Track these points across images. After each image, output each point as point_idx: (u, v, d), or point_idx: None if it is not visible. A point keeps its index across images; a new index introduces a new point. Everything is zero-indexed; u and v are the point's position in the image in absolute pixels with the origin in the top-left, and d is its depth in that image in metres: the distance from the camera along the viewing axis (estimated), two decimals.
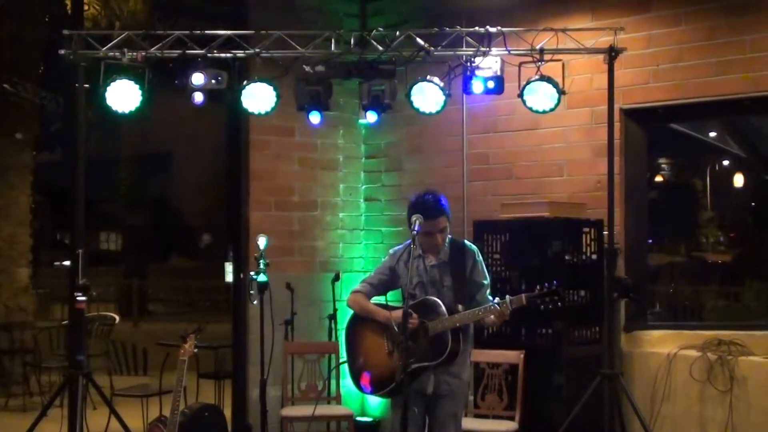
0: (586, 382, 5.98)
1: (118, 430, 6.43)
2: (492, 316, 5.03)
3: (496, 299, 5.04)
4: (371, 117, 6.67)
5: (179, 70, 6.19)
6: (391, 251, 5.44)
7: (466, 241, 5.41)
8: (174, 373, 6.25)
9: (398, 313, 5.04)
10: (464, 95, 6.69)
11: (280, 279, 7.39)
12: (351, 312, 5.49)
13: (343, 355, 5.51)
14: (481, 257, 5.32)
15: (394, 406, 5.26)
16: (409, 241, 5.18)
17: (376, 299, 5.38)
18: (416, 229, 4.99)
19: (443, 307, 5.06)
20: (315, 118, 6.58)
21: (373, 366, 5.24)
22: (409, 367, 4.74)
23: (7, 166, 11.43)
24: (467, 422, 6.57)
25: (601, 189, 6.74)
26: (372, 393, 5.48)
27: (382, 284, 5.37)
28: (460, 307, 5.07)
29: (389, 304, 5.27)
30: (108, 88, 6.03)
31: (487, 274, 5.31)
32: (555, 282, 5.02)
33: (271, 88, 6.20)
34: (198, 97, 6.20)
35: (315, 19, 7.86)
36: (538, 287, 5.01)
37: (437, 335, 5.02)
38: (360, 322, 5.37)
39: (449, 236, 5.26)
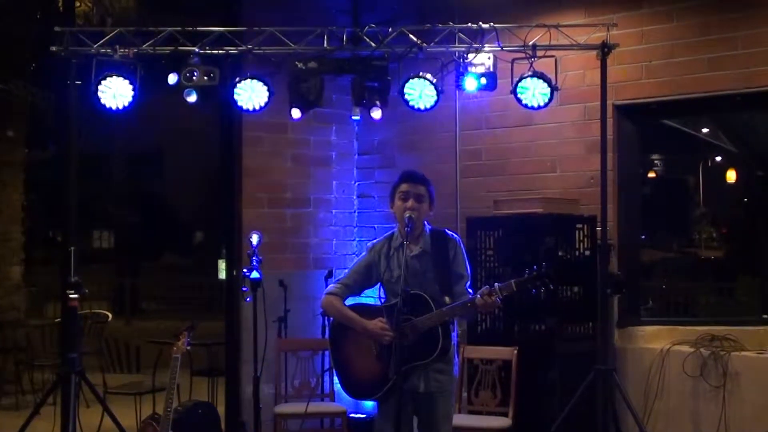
0: (580, 378, 5.99)
1: (111, 428, 6.43)
2: (481, 305, 4.85)
3: (485, 287, 4.87)
4: (364, 113, 6.66)
5: (171, 67, 6.18)
6: (369, 245, 5.27)
7: (447, 230, 5.20)
8: (167, 370, 6.24)
9: (374, 323, 4.97)
10: (457, 91, 6.69)
11: (273, 276, 7.39)
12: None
13: (320, 364, 5.33)
14: (462, 247, 5.14)
15: (382, 411, 5.07)
16: (389, 232, 5.13)
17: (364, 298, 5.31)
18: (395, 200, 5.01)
19: (431, 302, 4.90)
20: (296, 113, 6.56)
21: (361, 371, 5.10)
22: (402, 366, 4.69)
23: None
24: (461, 419, 6.59)
25: (594, 185, 6.76)
26: (363, 398, 5.41)
27: (357, 284, 5.20)
28: (447, 299, 4.93)
29: (371, 304, 5.15)
30: (99, 85, 6.01)
31: (467, 266, 5.13)
32: (544, 264, 4.88)
33: (264, 84, 6.19)
34: (191, 96, 6.19)
35: (307, 16, 7.85)
36: (527, 271, 4.86)
37: (426, 332, 4.88)
38: (343, 326, 5.19)
39: (430, 226, 5.14)
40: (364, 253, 5.28)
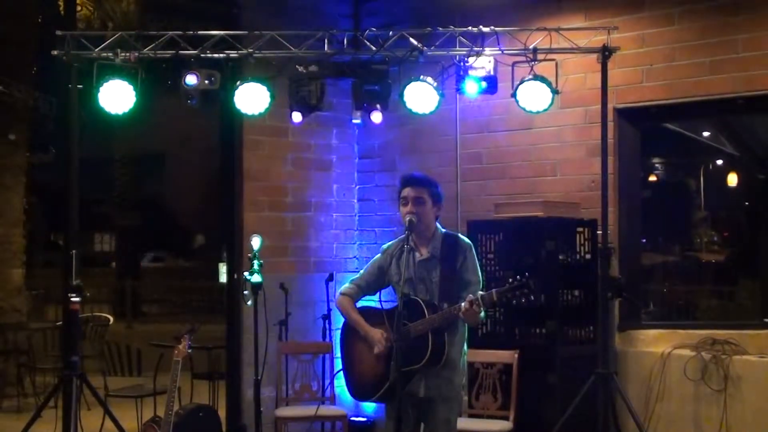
0: (581, 382, 5.99)
1: (112, 431, 6.42)
2: (464, 314, 4.82)
3: (470, 296, 4.83)
4: (364, 117, 6.67)
5: (172, 71, 6.19)
6: (383, 246, 5.32)
7: (460, 235, 5.22)
8: (168, 373, 6.24)
9: (375, 332, 5.00)
10: (457, 95, 6.69)
11: (274, 279, 7.39)
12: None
13: (320, 367, 5.37)
14: (474, 253, 5.13)
15: (387, 413, 5.14)
16: (404, 235, 5.13)
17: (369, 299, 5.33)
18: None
19: (425, 308, 4.90)
20: (297, 116, 6.56)
21: (363, 372, 5.15)
22: (400, 369, 4.69)
23: (0, 167, 11.41)
24: (462, 422, 6.58)
25: (594, 188, 6.76)
26: (363, 399, 5.41)
27: (369, 285, 5.26)
28: (445, 305, 4.92)
29: (374, 307, 5.16)
30: (101, 89, 6.02)
31: (479, 272, 5.11)
32: (526, 274, 4.84)
33: (265, 88, 6.19)
34: (191, 101, 6.20)
35: (308, 20, 7.86)
36: (510, 280, 4.84)
37: (420, 337, 4.88)
38: (351, 327, 5.26)
39: (443, 229, 5.15)
40: (377, 254, 5.33)
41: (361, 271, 5.40)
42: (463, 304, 4.81)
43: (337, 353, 5.47)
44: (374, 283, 5.26)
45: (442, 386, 5.02)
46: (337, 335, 5.44)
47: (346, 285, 5.34)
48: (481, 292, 4.84)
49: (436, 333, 4.91)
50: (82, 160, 6.40)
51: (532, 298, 4.87)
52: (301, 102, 6.44)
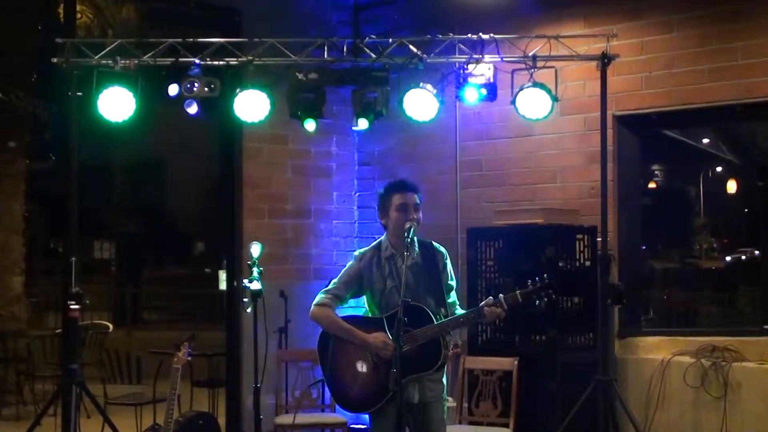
0: (581, 389, 5.98)
1: None
2: (487, 316, 4.84)
3: (490, 299, 4.86)
4: (364, 124, 6.66)
5: (172, 78, 6.19)
6: (356, 253, 5.19)
7: (434, 243, 5.15)
8: (168, 381, 6.23)
9: (376, 337, 4.89)
10: (457, 102, 6.69)
11: (273, 287, 7.38)
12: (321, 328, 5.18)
13: (320, 374, 5.25)
14: (449, 259, 5.13)
15: (377, 424, 4.99)
16: (376, 241, 5.11)
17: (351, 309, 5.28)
18: (391, 210, 4.97)
19: (431, 313, 4.87)
20: (310, 125, 6.56)
21: (358, 384, 5.00)
22: (402, 378, 4.67)
23: (0, 175, 11.42)
24: (461, 429, 6.59)
25: (594, 195, 6.76)
26: (362, 411, 5.34)
27: (349, 294, 5.13)
28: (442, 310, 4.92)
29: (369, 316, 5.10)
30: (100, 96, 6.02)
31: (455, 278, 5.14)
32: (545, 276, 4.87)
33: (265, 95, 6.20)
34: (191, 108, 6.20)
35: (308, 27, 7.88)
36: (530, 282, 4.86)
37: (428, 342, 4.85)
38: (334, 338, 5.07)
39: (416, 237, 5.02)
40: (351, 262, 5.17)
41: (335, 281, 5.19)
42: (484, 306, 4.83)
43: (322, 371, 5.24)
44: (354, 291, 5.14)
45: (435, 388, 5.00)
46: (318, 352, 5.21)
47: (322, 296, 5.14)
48: (502, 295, 4.85)
49: (443, 338, 4.90)
50: (81, 168, 6.40)
51: (554, 297, 4.90)
52: (300, 109, 6.44)
